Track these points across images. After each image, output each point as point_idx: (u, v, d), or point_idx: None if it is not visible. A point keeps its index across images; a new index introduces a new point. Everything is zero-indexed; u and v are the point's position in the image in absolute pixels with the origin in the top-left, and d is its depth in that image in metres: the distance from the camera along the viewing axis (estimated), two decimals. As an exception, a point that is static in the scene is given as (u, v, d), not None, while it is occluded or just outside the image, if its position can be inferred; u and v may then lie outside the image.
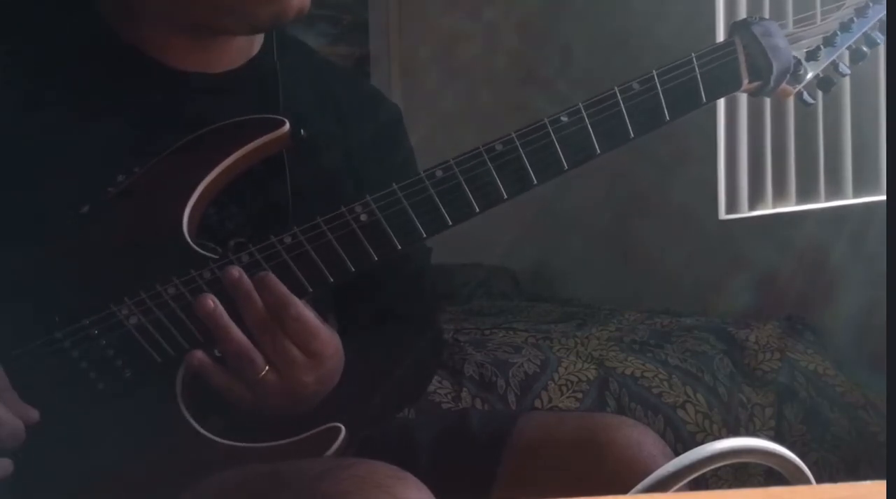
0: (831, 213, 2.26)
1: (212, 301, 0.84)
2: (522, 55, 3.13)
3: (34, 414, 0.82)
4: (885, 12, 0.96)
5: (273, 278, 0.84)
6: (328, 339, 0.86)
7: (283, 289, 0.84)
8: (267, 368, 0.84)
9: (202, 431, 0.85)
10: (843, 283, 2.09)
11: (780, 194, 2.43)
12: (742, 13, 2.51)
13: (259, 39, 1.04)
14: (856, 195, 2.24)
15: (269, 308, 0.84)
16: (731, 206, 2.54)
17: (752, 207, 2.50)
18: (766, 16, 2.40)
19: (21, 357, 0.84)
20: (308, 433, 0.84)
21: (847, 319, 2.08)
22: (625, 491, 0.51)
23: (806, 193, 2.36)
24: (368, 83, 1.20)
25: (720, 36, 2.55)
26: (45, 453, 0.83)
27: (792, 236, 2.31)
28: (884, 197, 2.12)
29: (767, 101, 2.42)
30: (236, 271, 0.84)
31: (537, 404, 1.80)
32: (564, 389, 1.82)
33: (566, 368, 1.85)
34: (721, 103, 2.46)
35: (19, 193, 0.89)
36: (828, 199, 2.30)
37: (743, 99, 2.50)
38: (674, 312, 2.36)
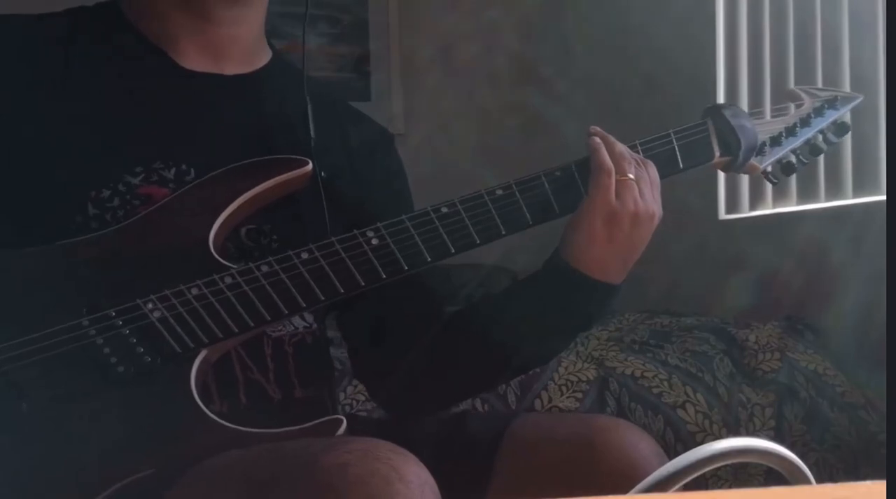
0: (831, 213, 2.26)
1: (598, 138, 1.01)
2: (522, 55, 3.12)
3: None
4: (837, 116, 1.13)
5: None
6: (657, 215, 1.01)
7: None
8: (630, 176, 0.98)
9: (211, 415, 0.89)
10: (843, 283, 2.09)
11: (780, 194, 2.43)
12: (742, 15, 2.51)
13: (266, 52, 1.10)
14: (856, 195, 2.24)
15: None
16: (731, 206, 2.54)
17: (752, 207, 2.50)
18: (767, 45, 2.40)
19: (44, 339, 0.88)
20: (312, 423, 0.89)
21: (847, 319, 2.08)
22: (619, 492, 0.51)
23: (806, 193, 2.36)
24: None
25: (720, 37, 2.56)
26: (60, 429, 0.87)
27: (792, 236, 2.31)
28: (884, 197, 2.12)
29: (767, 98, 2.43)
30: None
31: (537, 403, 1.80)
32: (564, 389, 1.82)
33: (566, 368, 1.85)
34: (721, 101, 2.45)
35: (37, 179, 0.95)
36: (828, 199, 2.30)
37: (743, 97, 2.50)
38: (674, 312, 2.36)
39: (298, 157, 0.99)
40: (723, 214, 2.55)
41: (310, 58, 1.07)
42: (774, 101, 1.14)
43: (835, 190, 2.29)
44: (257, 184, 0.97)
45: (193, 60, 1.03)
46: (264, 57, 1.10)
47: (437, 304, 1.12)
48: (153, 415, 0.90)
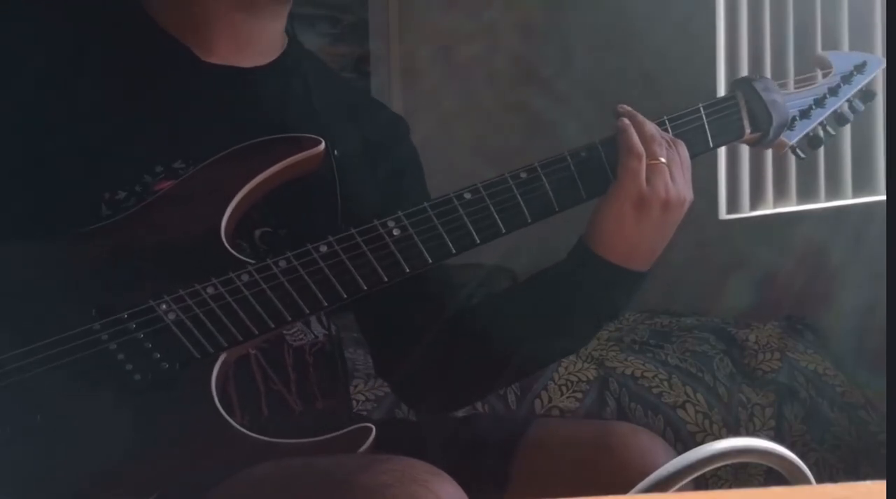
0: (831, 213, 2.26)
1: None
2: (522, 55, 3.12)
3: None
4: (866, 81, 1.08)
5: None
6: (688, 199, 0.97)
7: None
8: (662, 159, 0.94)
9: (234, 423, 0.85)
10: (843, 283, 2.09)
11: (780, 194, 2.43)
12: (742, 15, 2.51)
13: (282, 42, 1.06)
14: (856, 195, 2.24)
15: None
16: (732, 206, 2.54)
17: (752, 207, 2.50)
18: (769, 34, 2.40)
19: (55, 346, 0.84)
20: (341, 432, 0.86)
21: (847, 319, 2.08)
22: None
23: (806, 193, 2.36)
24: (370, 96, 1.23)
25: (720, 37, 2.56)
26: (78, 442, 0.84)
27: (792, 236, 2.31)
28: (884, 197, 2.12)
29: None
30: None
31: (537, 404, 1.80)
32: (564, 389, 1.82)
33: (566, 369, 1.85)
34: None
35: (44, 180, 0.91)
36: (828, 199, 2.30)
37: (743, 99, 2.50)
38: (674, 312, 2.36)
39: (310, 136, 0.93)
40: (723, 214, 2.55)
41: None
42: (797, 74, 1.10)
43: (835, 190, 2.29)
44: (268, 166, 0.91)
45: (212, 52, 0.98)
46: (281, 45, 1.05)
47: (448, 298, 1.08)
48: (173, 424, 0.86)
